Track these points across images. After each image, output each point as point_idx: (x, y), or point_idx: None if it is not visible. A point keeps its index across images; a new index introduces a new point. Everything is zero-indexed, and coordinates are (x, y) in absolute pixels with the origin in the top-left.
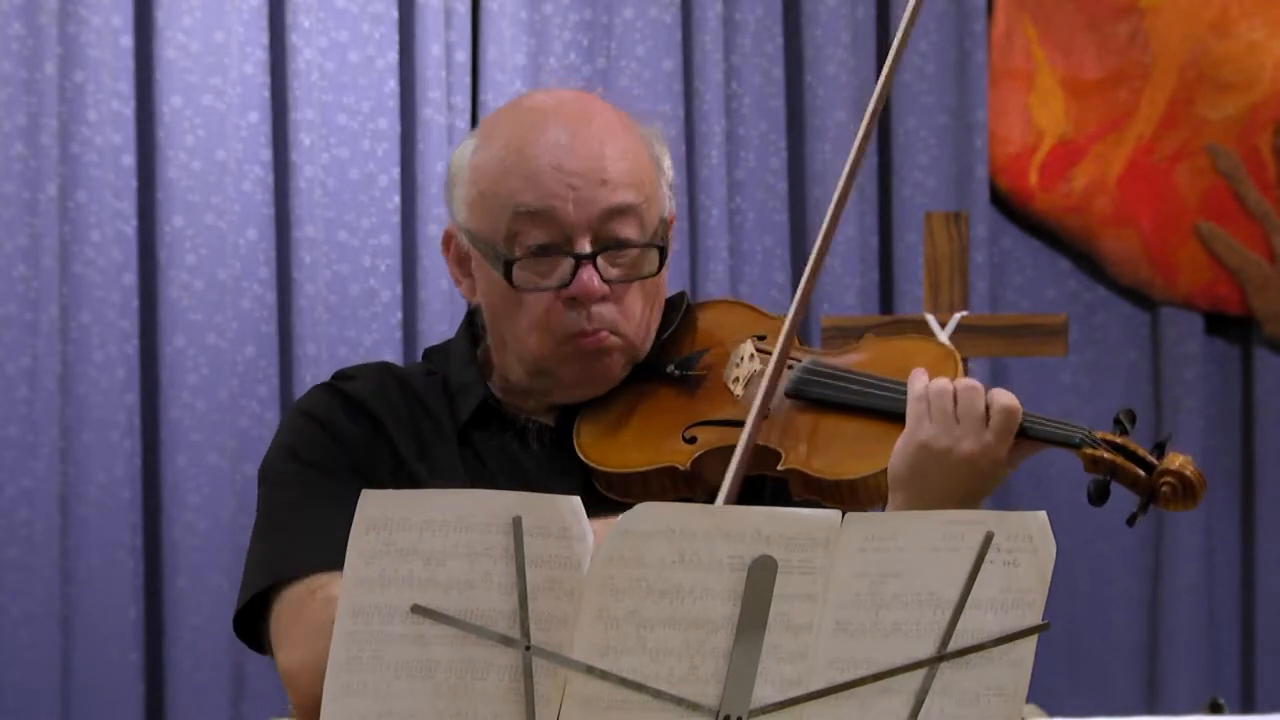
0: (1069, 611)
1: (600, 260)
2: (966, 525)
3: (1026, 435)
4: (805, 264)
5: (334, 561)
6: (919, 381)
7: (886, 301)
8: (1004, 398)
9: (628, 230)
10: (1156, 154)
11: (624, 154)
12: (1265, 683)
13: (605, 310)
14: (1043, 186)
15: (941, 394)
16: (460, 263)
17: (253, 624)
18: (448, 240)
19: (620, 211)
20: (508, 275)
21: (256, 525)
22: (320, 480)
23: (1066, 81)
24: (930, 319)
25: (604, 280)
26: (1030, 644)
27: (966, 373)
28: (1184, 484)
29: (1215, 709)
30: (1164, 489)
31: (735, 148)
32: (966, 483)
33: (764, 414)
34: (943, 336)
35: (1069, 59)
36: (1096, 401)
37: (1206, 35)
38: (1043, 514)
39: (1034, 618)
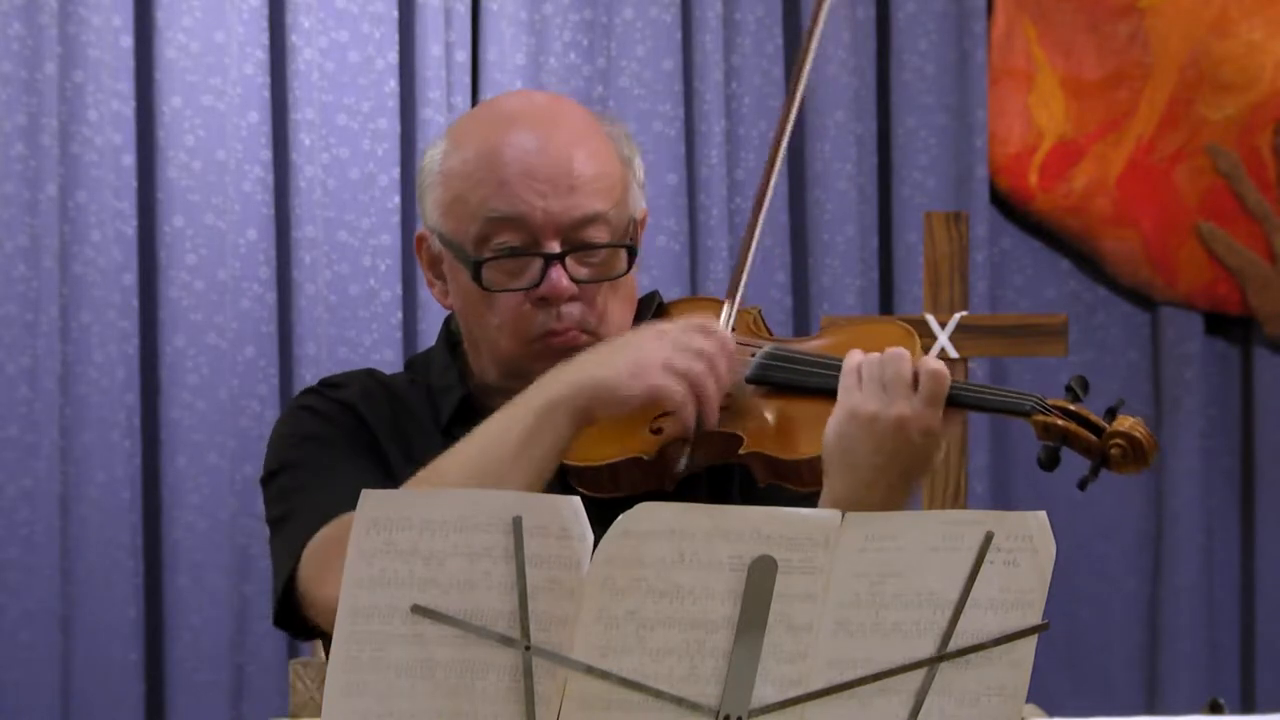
0: (1069, 611)
1: (569, 260)
2: (966, 525)
3: (975, 406)
4: (806, 264)
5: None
6: (852, 357)
7: (886, 301)
8: (932, 363)
9: (596, 234)
10: (1156, 154)
11: (592, 158)
12: (1265, 683)
13: (574, 309)
14: (1043, 186)
15: (870, 363)
16: (433, 265)
17: (289, 613)
18: (420, 243)
19: (588, 220)
20: (476, 277)
21: (273, 518)
22: (325, 450)
23: (1066, 81)
24: (930, 319)
25: (574, 280)
26: (1030, 644)
27: (965, 373)
28: (1133, 445)
29: (1215, 709)
30: (1114, 451)
31: (735, 148)
32: (898, 456)
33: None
34: (943, 337)
35: (1069, 59)
36: (1097, 401)
37: (1206, 35)
38: (1043, 514)
39: (1034, 618)
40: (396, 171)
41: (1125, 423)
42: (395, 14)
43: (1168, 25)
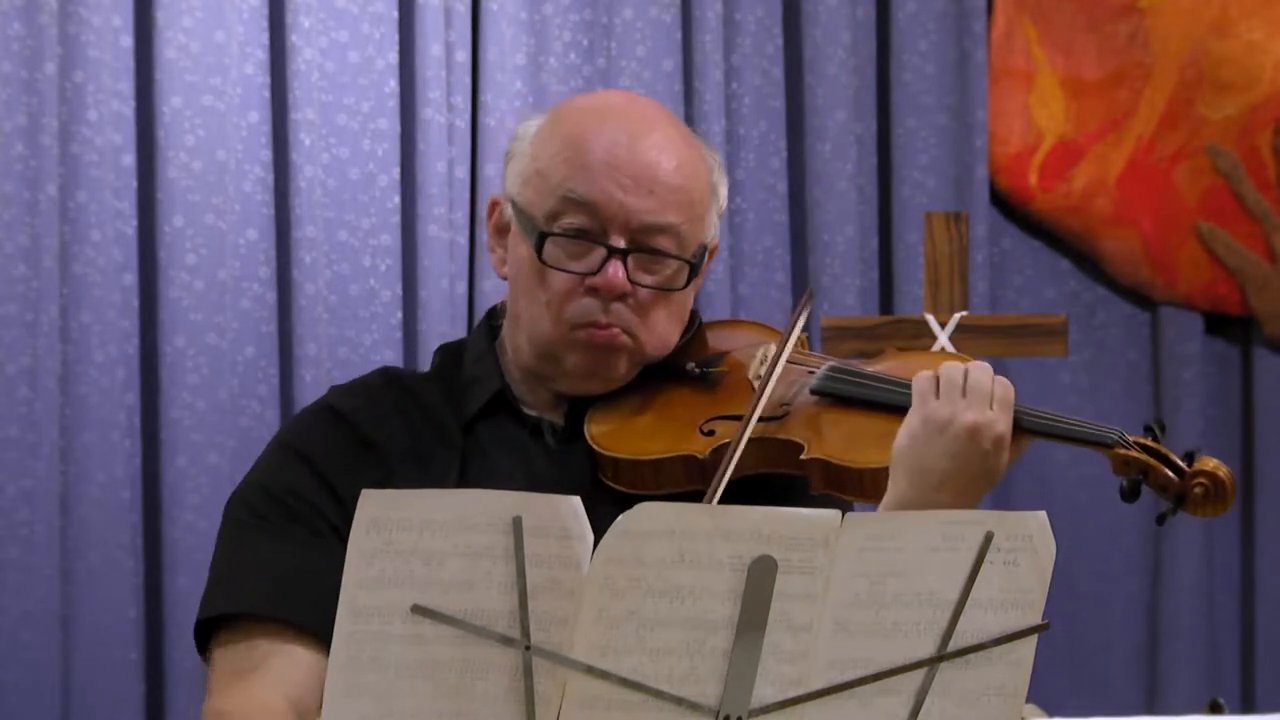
0: (1069, 611)
1: (632, 262)
2: (966, 525)
3: (1059, 436)
4: (806, 264)
5: (278, 607)
6: (929, 370)
7: (886, 301)
8: (1002, 378)
9: (664, 243)
10: (1156, 154)
11: (679, 170)
12: (1265, 683)
13: (624, 310)
14: (1043, 186)
15: (951, 370)
16: (499, 232)
17: (206, 642)
18: (492, 208)
19: (660, 229)
20: (539, 248)
21: (214, 554)
22: (282, 519)
23: (1066, 81)
24: (930, 319)
25: (632, 281)
26: (1030, 644)
27: None
28: (1216, 485)
29: (1215, 709)
30: (1197, 490)
31: (735, 148)
32: (969, 463)
33: (761, 395)
34: (943, 337)
35: (1069, 59)
36: (1097, 401)
37: (1206, 35)
38: (1043, 514)
39: (1034, 618)
40: (396, 171)
41: (1209, 463)
42: (395, 14)
43: (1168, 25)
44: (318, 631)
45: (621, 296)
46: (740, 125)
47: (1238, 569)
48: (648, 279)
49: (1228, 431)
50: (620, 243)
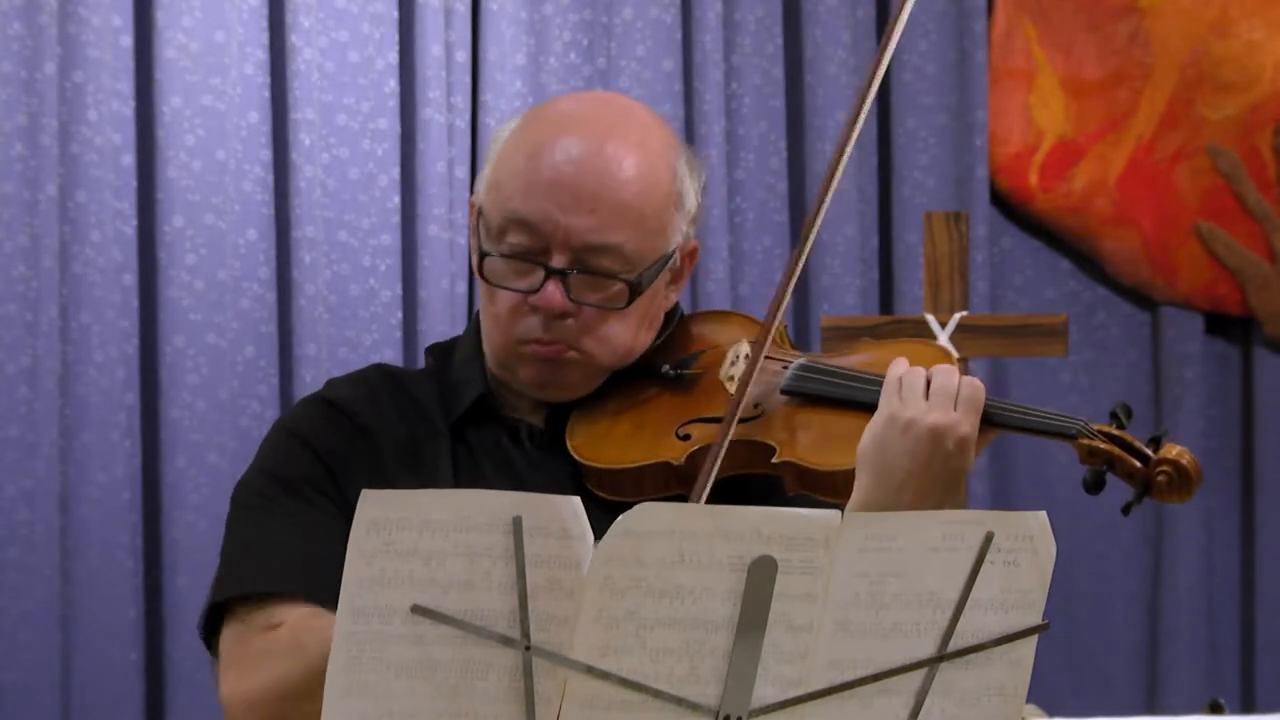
0: (1069, 611)
1: (575, 279)
2: (966, 525)
3: (1021, 428)
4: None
5: (293, 582)
6: (897, 367)
7: (886, 301)
8: (970, 377)
9: (607, 263)
10: (1156, 154)
11: (629, 184)
12: (1265, 683)
13: (567, 326)
14: (1043, 186)
15: (915, 373)
16: (476, 234)
17: (213, 634)
18: (471, 209)
19: (601, 249)
20: (479, 266)
21: (224, 541)
22: (290, 502)
23: (1066, 81)
24: (930, 319)
25: (575, 300)
26: (1030, 644)
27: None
28: (1180, 473)
29: (1215, 709)
30: (1160, 478)
31: (735, 148)
32: (931, 463)
33: (739, 402)
34: (943, 337)
35: (1069, 59)
36: (1097, 401)
37: (1206, 35)
38: (1043, 514)
39: (1034, 618)
40: (396, 171)
41: (1172, 450)
42: (395, 14)
43: (1168, 25)
44: (332, 608)
45: (563, 315)
46: (740, 125)
47: (1238, 569)
48: (592, 297)
49: (1228, 431)
50: (561, 263)
